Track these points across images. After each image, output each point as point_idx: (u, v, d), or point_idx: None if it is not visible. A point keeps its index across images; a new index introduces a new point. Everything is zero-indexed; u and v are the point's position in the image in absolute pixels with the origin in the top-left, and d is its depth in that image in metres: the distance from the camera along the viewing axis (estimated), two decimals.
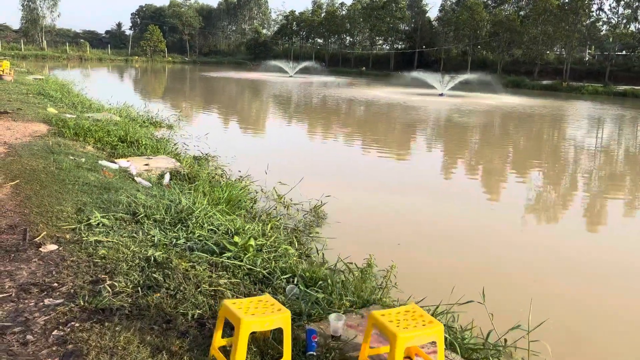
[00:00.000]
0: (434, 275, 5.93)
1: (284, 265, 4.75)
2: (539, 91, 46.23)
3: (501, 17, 58.60)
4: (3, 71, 20.96)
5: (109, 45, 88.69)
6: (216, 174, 9.32)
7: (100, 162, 7.65)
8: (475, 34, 60.73)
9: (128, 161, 8.02)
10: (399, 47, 73.59)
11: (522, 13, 61.03)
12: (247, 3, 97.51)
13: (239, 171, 10.09)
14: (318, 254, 6.12)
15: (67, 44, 78.51)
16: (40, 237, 4.86)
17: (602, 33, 51.88)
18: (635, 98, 41.58)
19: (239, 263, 4.65)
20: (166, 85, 40.87)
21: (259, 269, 4.61)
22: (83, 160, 7.51)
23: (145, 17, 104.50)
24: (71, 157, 7.53)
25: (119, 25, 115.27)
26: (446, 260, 6.59)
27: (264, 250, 5.18)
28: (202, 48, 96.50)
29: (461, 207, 9.34)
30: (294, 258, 5.24)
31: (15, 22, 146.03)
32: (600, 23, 52.44)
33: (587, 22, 52.20)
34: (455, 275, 5.95)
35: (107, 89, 31.85)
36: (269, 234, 6.05)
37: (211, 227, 5.61)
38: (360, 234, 7.31)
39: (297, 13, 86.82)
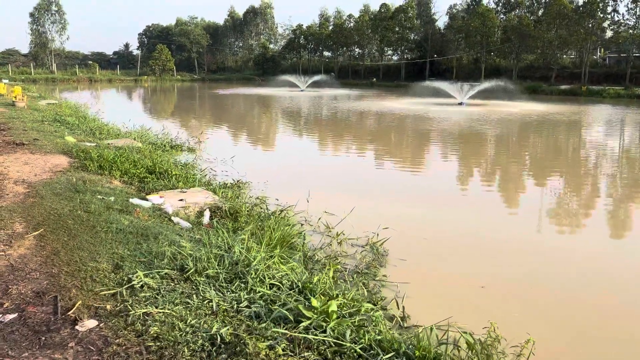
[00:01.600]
0: (549, 334, 4.92)
1: (378, 337, 3.79)
2: (557, 96, 45.15)
3: (514, 22, 57.69)
4: (16, 97, 20.32)
5: (118, 66, 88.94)
6: (254, 204, 8.42)
7: (131, 200, 6.77)
8: (487, 41, 59.84)
9: (161, 197, 7.13)
10: (409, 57, 72.83)
11: (532, 18, 60.13)
12: (253, 19, 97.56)
13: (276, 199, 9.22)
14: (398, 308, 5.16)
15: (77, 66, 78.74)
16: (75, 308, 3.95)
17: (619, 35, 50.62)
18: None
19: (323, 337, 3.70)
20: (179, 104, 40.32)
21: (349, 343, 3.66)
22: (112, 199, 6.63)
23: (152, 37, 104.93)
24: (99, 197, 6.66)
25: (127, 45, 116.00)
26: (555, 307, 5.58)
27: (344, 312, 4.25)
28: (210, 65, 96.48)
29: (527, 228, 8.33)
30: (383, 322, 4.30)
31: (23, 46, 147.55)
32: (617, 25, 51.32)
33: (604, 24, 51.15)
34: (582, 333, 4.95)
35: (121, 110, 31.30)
36: (342, 285, 5.13)
37: (273, 282, 4.69)
38: (434, 274, 6.33)
39: (304, 27, 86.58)
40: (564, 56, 56.58)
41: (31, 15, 76.07)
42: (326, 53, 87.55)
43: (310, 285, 4.74)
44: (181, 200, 7.29)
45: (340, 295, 4.56)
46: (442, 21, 79.06)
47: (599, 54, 59.71)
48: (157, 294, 4.21)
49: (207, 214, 6.77)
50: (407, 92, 50.35)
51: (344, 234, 7.44)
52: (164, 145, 14.75)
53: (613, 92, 43.86)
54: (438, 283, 6.04)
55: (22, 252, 5.02)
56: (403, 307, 5.12)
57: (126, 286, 4.28)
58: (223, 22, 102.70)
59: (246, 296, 4.33)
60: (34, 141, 10.79)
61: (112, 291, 4.22)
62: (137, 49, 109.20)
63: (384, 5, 72.22)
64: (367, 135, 21.24)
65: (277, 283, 4.70)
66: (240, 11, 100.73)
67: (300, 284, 4.75)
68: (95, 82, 70.43)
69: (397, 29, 69.47)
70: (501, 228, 8.50)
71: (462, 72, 63.55)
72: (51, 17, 76.82)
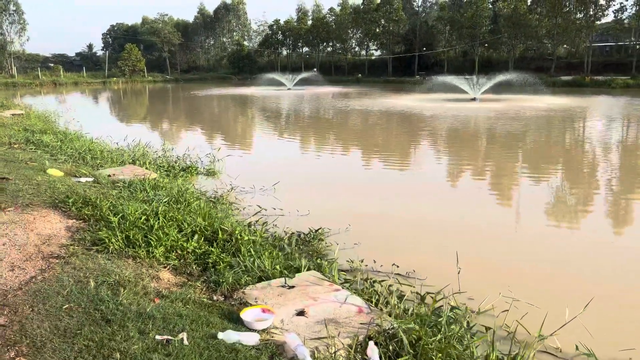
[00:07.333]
0: None
1: None
2: (562, 88, 42.73)
3: (508, 11, 55.10)
4: None
5: (83, 68, 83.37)
6: (401, 293, 5.04)
7: (220, 335, 3.33)
8: (478, 32, 57.18)
9: (265, 311, 3.71)
10: (395, 51, 69.73)
11: (524, 7, 57.77)
12: (225, 15, 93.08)
13: (396, 265, 5.93)
14: None
15: (39, 69, 73.08)
16: None
17: (622, 23, 48.70)
18: None
19: None
20: (160, 109, 36.17)
21: None
22: (184, 338, 3.16)
23: (117, 37, 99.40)
24: (156, 336, 3.18)
25: (90, 46, 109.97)
26: None
27: None
28: (181, 65, 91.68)
29: None
30: None
31: None
32: (621, 12, 49.37)
33: (607, 11, 49.18)
34: None
35: (99, 118, 26.98)
36: None
37: None
38: None
39: (282, 22, 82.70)
40: (564, 46, 54.37)
41: None
42: (305, 49, 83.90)
43: None
44: (300, 314, 3.88)
45: None
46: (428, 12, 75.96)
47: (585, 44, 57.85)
48: None
49: (374, 356, 3.36)
50: (403, 88, 47.37)
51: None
52: (174, 168, 11.27)
53: (621, 82, 41.69)
54: None
55: None
56: None
57: None
58: (193, 19, 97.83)
59: None
60: (2, 182, 7.11)
61: None
62: (102, 49, 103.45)
63: None
64: (411, 143, 17.98)
65: None
66: (210, 8, 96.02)
67: None
68: (60, 86, 65.19)
69: (382, 21, 66.27)
70: None
71: (452, 65, 60.91)
72: (9, 18, 70.79)
